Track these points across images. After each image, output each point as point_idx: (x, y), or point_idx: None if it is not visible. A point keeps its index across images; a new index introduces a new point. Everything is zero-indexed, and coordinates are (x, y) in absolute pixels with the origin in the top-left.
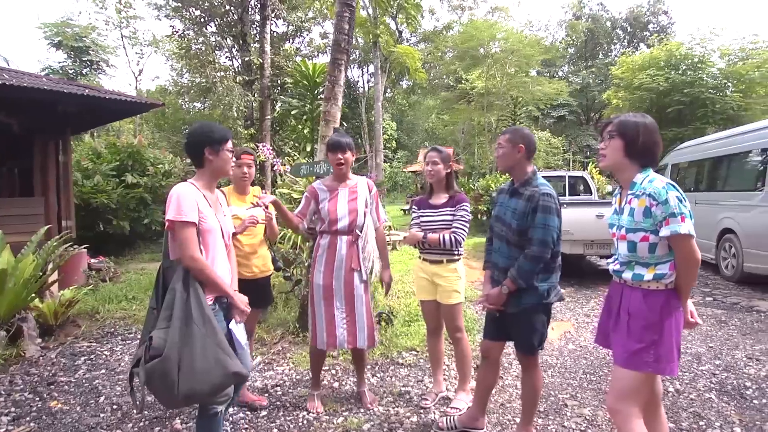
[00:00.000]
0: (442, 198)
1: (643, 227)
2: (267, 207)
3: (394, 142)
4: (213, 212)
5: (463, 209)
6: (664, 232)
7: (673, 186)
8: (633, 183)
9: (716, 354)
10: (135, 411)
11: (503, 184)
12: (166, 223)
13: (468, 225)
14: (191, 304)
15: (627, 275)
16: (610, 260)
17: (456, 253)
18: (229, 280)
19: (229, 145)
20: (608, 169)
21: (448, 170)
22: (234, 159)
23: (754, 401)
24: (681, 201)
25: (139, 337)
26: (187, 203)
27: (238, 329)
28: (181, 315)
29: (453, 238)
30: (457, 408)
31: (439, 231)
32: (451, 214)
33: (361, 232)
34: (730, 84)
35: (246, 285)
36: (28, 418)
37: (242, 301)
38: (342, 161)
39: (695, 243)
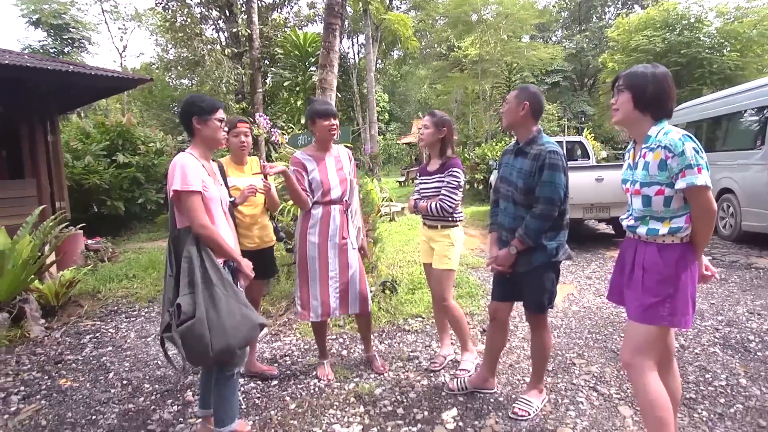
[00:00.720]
0: (435, 164)
1: (658, 180)
2: (266, 177)
3: (386, 114)
4: (212, 181)
5: (451, 174)
6: (680, 184)
7: (690, 137)
8: (647, 136)
9: (718, 310)
10: (174, 372)
11: (508, 146)
12: (170, 194)
13: (457, 191)
14: (208, 269)
15: (641, 230)
16: (623, 216)
17: (450, 219)
18: (233, 245)
19: (219, 115)
20: (621, 125)
21: (442, 135)
22: (226, 129)
23: (758, 353)
24: (698, 152)
25: (143, 314)
26: (191, 173)
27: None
28: (202, 280)
29: (438, 206)
30: (465, 369)
31: (431, 198)
32: (440, 181)
33: (350, 200)
34: (727, 43)
35: (248, 256)
36: (38, 396)
37: (248, 265)
38: (335, 127)
39: (711, 195)
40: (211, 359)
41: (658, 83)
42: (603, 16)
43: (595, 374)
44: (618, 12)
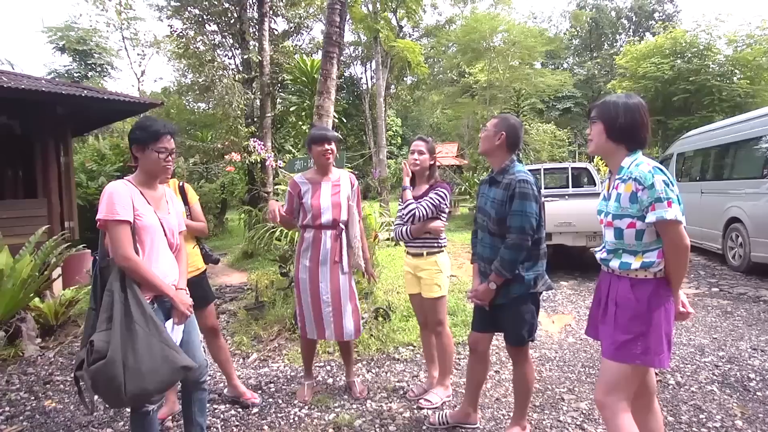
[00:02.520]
0: (422, 189)
1: (630, 213)
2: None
3: (399, 138)
4: (152, 209)
5: (435, 192)
6: (650, 217)
7: (661, 170)
8: (621, 167)
9: (720, 345)
10: (86, 413)
11: (486, 176)
12: (98, 223)
13: (436, 207)
14: (131, 305)
15: (614, 264)
16: (598, 248)
17: (435, 245)
18: (173, 278)
19: (162, 144)
20: (596, 155)
21: (433, 161)
22: (170, 159)
23: (757, 393)
24: (668, 185)
25: None
26: (119, 201)
27: (175, 330)
28: (121, 316)
29: (413, 212)
30: (429, 401)
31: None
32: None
33: (344, 225)
34: (737, 71)
35: None
36: (21, 417)
37: (182, 301)
38: (330, 152)
39: (683, 229)
40: (126, 402)
41: (630, 114)
42: (614, 44)
43: (584, 411)
44: (628, 39)
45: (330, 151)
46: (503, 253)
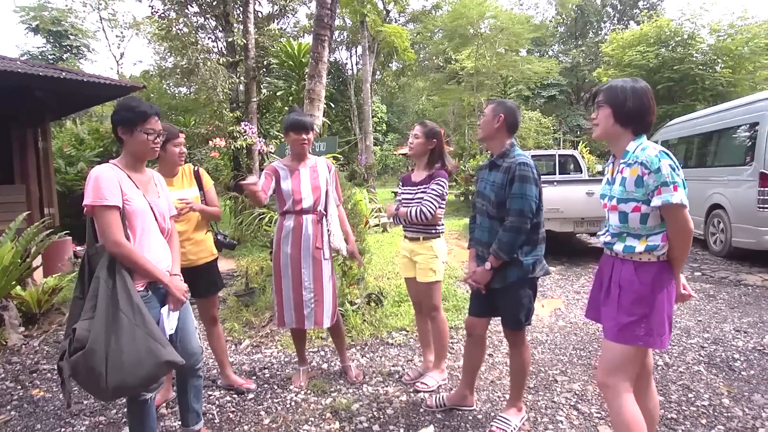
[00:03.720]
0: (421, 175)
1: (635, 197)
2: (202, 188)
3: (384, 124)
4: (140, 193)
5: (436, 183)
6: (656, 201)
7: (667, 154)
8: (626, 152)
9: (705, 327)
10: (64, 405)
11: (485, 161)
12: (85, 209)
13: (439, 199)
14: (118, 293)
15: (618, 247)
16: (601, 232)
17: (433, 230)
18: (166, 264)
19: (149, 125)
20: (601, 139)
21: (432, 146)
22: (158, 141)
23: (742, 372)
24: (674, 170)
25: None
26: (107, 186)
27: (170, 316)
28: (106, 305)
29: (418, 211)
30: (425, 384)
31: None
32: (425, 192)
33: (324, 210)
34: (719, 60)
35: (184, 273)
36: (8, 407)
37: (178, 288)
38: (306, 141)
39: (688, 213)
40: (108, 395)
41: (637, 98)
42: (599, 32)
43: (577, 392)
44: (613, 27)
45: (306, 141)
46: (502, 235)
